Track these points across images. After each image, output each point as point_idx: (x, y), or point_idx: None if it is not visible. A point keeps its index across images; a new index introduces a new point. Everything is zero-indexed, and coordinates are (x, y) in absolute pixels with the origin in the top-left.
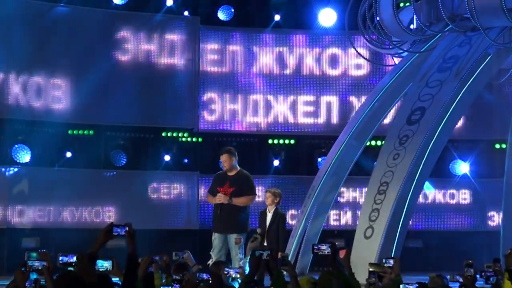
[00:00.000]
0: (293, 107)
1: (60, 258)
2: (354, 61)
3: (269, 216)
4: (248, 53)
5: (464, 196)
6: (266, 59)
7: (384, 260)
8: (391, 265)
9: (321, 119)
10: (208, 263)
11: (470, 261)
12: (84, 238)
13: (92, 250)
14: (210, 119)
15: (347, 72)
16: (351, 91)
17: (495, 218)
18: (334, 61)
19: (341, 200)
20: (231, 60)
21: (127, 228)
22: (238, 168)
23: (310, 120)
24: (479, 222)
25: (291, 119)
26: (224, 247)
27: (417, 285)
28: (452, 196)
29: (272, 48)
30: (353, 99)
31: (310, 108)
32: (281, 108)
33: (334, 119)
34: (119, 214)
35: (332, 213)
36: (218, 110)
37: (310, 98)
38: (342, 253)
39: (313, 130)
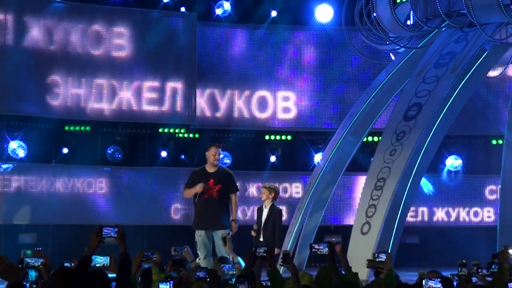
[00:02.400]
0: (291, 103)
1: None
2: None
3: (265, 212)
4: (245, 48)
5: (460, 192)
6: (263, 54)
7: (376, 255)
8: (383, 260)
9: (326, 115)
10: (197, 262)
11: (464, 261)
12: (80, 234)
13: (86, 253)
14: (206, 115)
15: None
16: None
17: (492, 214)
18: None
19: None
20: (229, 55)
21: (117, 229)
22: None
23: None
24: (476, 217)
25: (290, 115)
26: (210, 244)
27: (439, 280)
28: (449, 192)
29: (270, 44)
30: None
31: (290, 104)
32: (278, 104)
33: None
34: (115, 211)
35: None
36: (214, 106)
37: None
38: (337, 248)
39: (310, 126)
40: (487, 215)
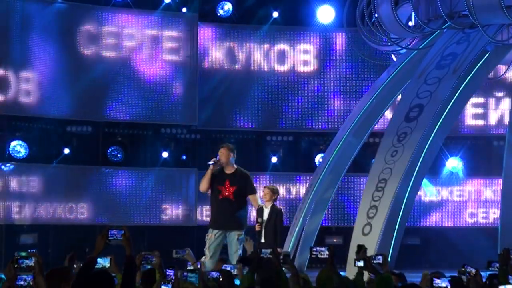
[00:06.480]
0: (293, 104)
1: None
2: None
3: (266, 212)
4: (246, 49)
5: (461, 193)
6: (264, 55)
7: (372, 257)
8: (380, 262)
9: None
10: (202, 261)
11: (463, 269)
12: (81, 234)
13: (91, 255)
14: (208, 116)
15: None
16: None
17: (493, 215)
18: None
19: None
20: (229, 56)
21: (123, 231)
22: (236, 166)
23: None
24: (477, 219)
25: (292, 116)
26: (221, 245)
27: (449, 279)
28: (450, 193)
29: (270, 45)
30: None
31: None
32: (277, 105)
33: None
34: (116, 211)
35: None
36: (216, 106)
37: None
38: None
39: (311, 127)
40: (488, 216)
